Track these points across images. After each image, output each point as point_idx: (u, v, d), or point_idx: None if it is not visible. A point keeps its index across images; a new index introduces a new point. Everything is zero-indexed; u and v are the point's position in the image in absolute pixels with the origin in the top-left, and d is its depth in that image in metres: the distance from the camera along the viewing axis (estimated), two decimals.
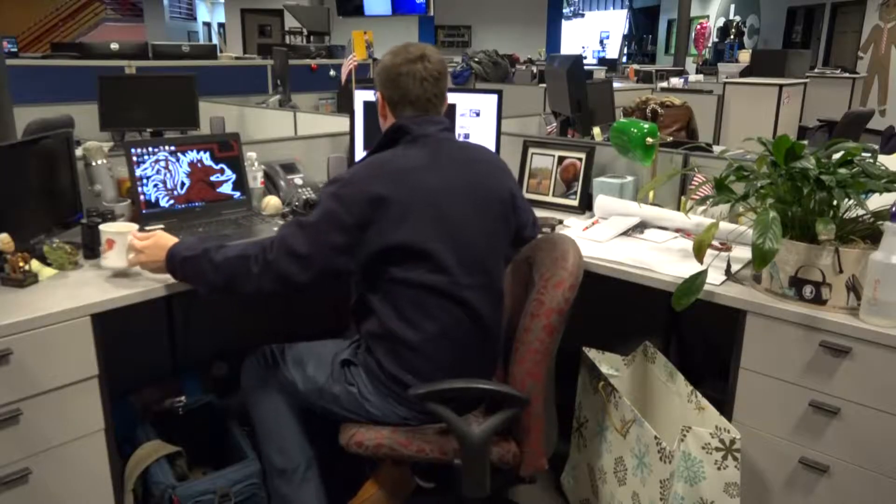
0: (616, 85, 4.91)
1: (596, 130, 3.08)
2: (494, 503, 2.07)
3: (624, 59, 16.39)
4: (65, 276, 1.66)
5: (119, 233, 1.64)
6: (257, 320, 2.57)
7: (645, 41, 19.67)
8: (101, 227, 1.68)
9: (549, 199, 2.49)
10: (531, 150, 2.57)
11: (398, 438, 1.60)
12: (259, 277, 1.52)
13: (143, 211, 2.00)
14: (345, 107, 4.05)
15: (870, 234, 1.57)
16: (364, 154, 1.71)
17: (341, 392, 1.64)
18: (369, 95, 2.44)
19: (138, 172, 2.01)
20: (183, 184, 2.09)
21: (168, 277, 1.66)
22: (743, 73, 7.08)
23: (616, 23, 21.28)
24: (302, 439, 1.73)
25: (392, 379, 1.60)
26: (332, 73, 5.21)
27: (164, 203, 2.05)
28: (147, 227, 1.95)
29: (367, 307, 1.62)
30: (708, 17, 16.40)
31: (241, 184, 2.20)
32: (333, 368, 1.67)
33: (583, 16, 22.53)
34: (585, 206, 2.41)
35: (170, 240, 1.64)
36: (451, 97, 2.44)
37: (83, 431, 1.54)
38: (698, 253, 1.59)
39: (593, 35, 21.96)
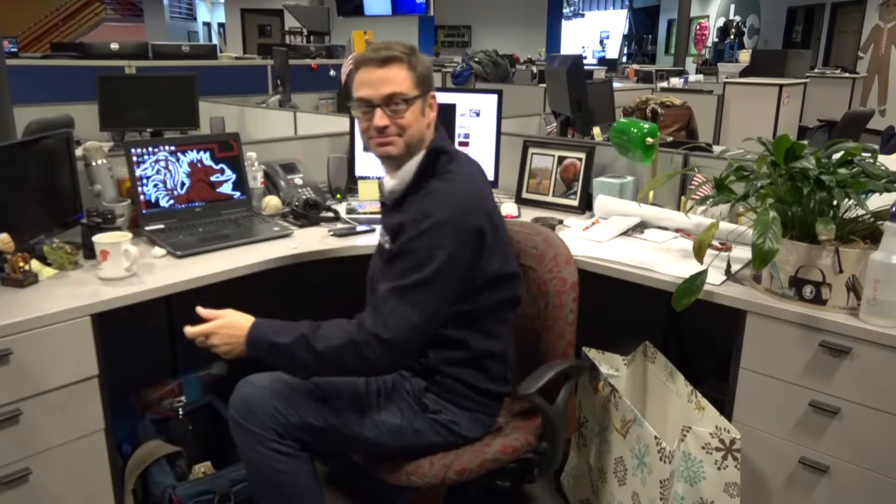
0: (616, 85, 4.91)
1: (596, 130, 3.08)
2: (508, 499, 2.08)
3: (624, 59, 16.41)
4: (65, 276, 1.66)
5: (113, 243, 1.63)
6: None
7: (645, 41, 19.68)
8: (95, 238, 1.66)
9: (549, 199, 2.49)
10: (531, 150, 2.57)
11: (495, 448, 1.55)
12: (378, 363, 1.37)
13: (144, 211, 2.00)
14: (345, 107, 4.05)
15: (870, 234, 1.56)
16: (410, 177, 1.51)
17: (425, 425, 1.50)
18: None
19: (138, 172, 2.01)
20: (183, 184, 2.09)
21: (167, 279, 1.67)
22: (743, 73, 7.08)
23: (616, 23, 21.28)
24: (322, 493, 1.55)
25: (485, 394, 1.54)
26: (332, 73, 5.21)
27: (164, 203, 2.05)
28: (147, 228, 1.96)
29: (446, 338, 1.50)
30: (708, 17, 16.41)
31: (241, 184, 2.20)
32: (401, 402, 1.51)
33: (583, 16, 22.54)
34: (585, 206, 2.41)
35: (243, 319, 1.43)
36: (451, 97, 2.45)
37: (83, 431, 1.54)
38: (698, 253, 1.59)
39: (593, 35, 21.97)
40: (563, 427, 1.60)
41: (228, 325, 1.42)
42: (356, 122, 2.42)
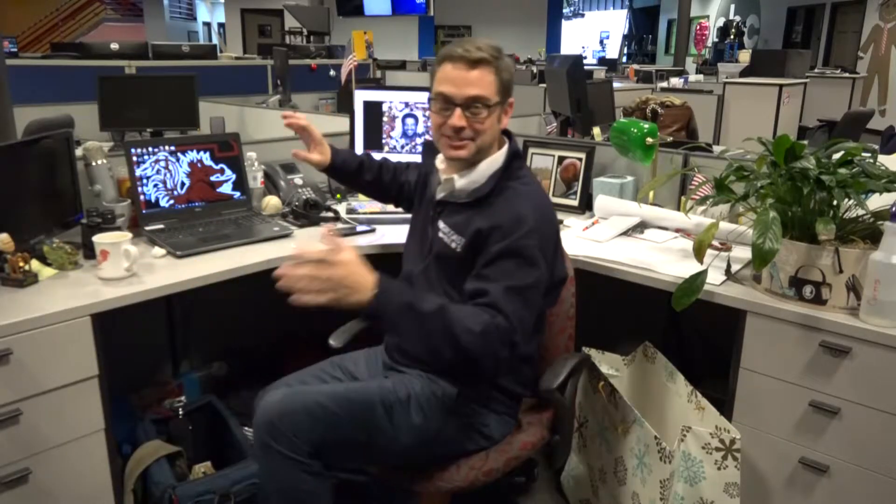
0: (616, 85, 4.91)
1: (596, 130, 3.08)
2: (508, 499, 2.08)
3: (624, 59, 16.40)
4: (65, 276, 1.66)
5: (113, 243, 1.63)
6: (258, 320, 2.57)
7: (645, 41, 19.68)
8: (95, 238, 1.66)
9: (549, 198, 2.48)
10: (531, 150, 2.57)
11: (517, 445, 1.57)
12: (503, 362, 1.32)
13: (144, 211, 2.00)
14: (345, 107, 4.05)
15: (870, 234, 1.56)
16: (486, 179, 1.49)
17: (456, 430, 1.49)
18: (369, 95, 2.44)
19: (138, 172, 2.01)
20: (183, 184, 2.09)
21: (167, 279, 1.66)
22: (743, 73, 7.08)
23: (616, 23, 21.28)
24: None
25: (512, 396, 1.56)
26: (332, 73, 5.22)
27: (164, 203, 2.05)
28: (147, 228, 1.96)
29: None
30: (708, 17, 16.40)
31: (241, 184, 2.20)
32: (432, 409, 1.47)
33: (583, 16, 22.54)
34: (585, 206, 2.41)
35: (368, 269, 1.26)
36: None
37: (83, 431, 1.54)
38: (698, 253, 1.59)
39: (593, 35, 21.97)
40: (573, 418, 1.65)
41: (358, 264, 1.23)
42: (356, 121, 2.44)
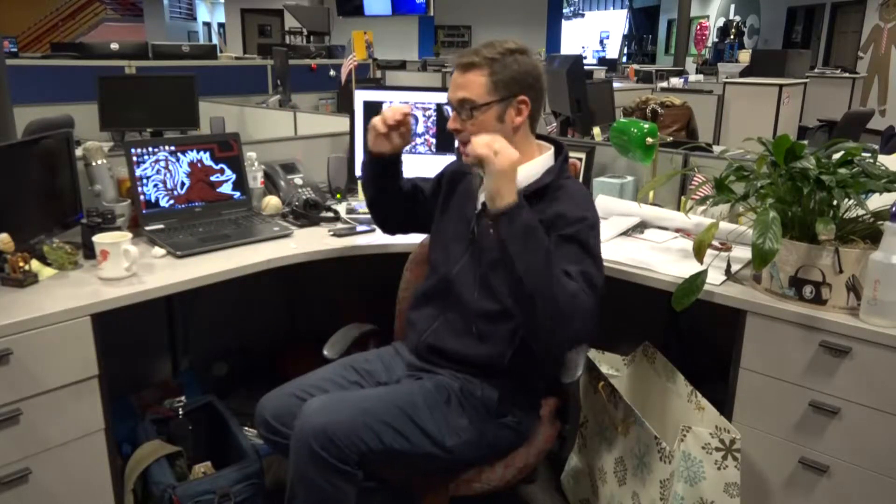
0: (616, 85, 4.91)
1: (596, 130, 3.08)
2: (508, 499, 2.09)
3: (624, 59, 16.40)
4: (65, 276, 1.66)
5: (113, 243, 1.63)
6: (258, 320, 2.57)
7: (645, 41, 19.68)
8: (95, 238, 1.66)
9: None
10: None
11: (543, 438, 1.61)
12: (580, 334, 1.36)
13: (144, 211, 2.00)
14: (345, 107, 4.05)
15: (870, 234, 1.56)
16: (540, 176, 1.52)
17: (496, 430, 1.51)
18: (369, 95, 2.44)
19: (138, 172, 2.01)
20: (183, 184, 2.09)
21: (167, 279, 1.66)
22: (743, 73, 7.08)
23: (616, 23, 21.29)
24: None
25: (537, 392, 1.61)
26: (332, 73, 5.22)
27: (164, 203, 2.05)
28: (147, 228, 1.96)
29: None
30: (708, 17, 16.41)
31: (241, 184, 2.20)
32: (473, 411, 1.49)
33: (583, 16, 22.55)
34: None
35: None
36: None
37: (83, 431, 1.54)
38: (698, 253, 1.59)
39: (593, 35, 21.98)
40: (580, 406, 1.71)
41: (514, 170, 1.31)
42: (355, 121, 2.44)
